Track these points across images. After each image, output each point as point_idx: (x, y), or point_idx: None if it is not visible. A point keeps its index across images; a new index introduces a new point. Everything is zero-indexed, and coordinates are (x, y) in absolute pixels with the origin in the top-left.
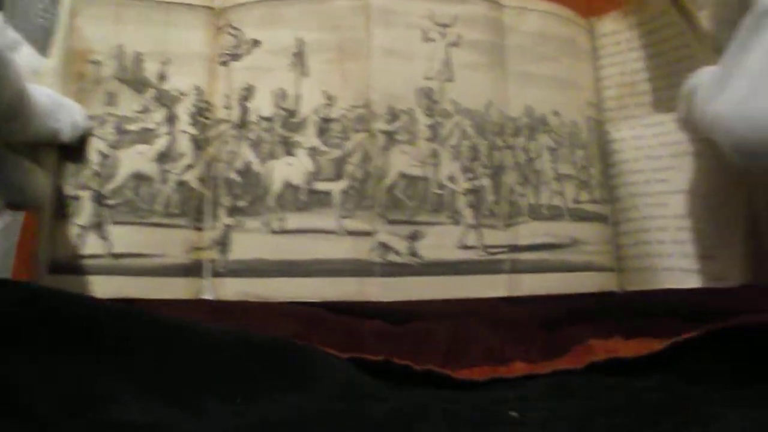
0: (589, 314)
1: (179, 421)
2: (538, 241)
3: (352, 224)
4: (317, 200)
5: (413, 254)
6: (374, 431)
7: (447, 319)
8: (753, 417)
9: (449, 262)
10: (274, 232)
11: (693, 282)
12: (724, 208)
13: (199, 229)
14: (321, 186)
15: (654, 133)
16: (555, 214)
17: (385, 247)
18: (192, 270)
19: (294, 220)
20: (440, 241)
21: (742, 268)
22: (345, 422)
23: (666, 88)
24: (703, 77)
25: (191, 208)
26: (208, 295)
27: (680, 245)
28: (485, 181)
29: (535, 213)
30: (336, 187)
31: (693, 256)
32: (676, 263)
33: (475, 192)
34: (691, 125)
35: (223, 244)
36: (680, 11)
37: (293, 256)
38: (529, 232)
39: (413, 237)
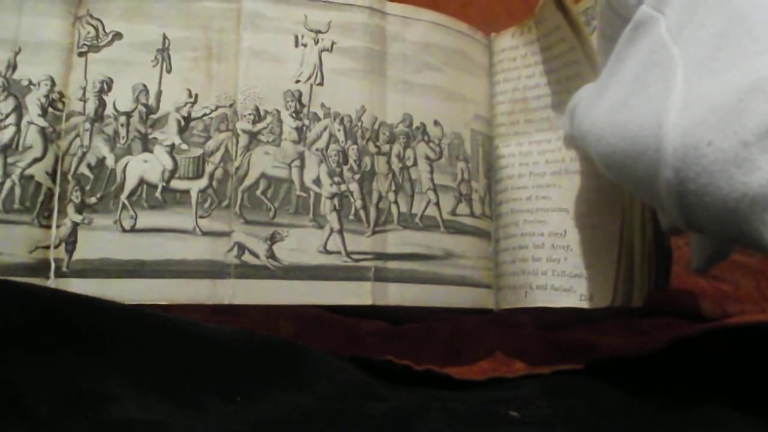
0: (589, 314)
1: (179, 420)
2: (408, 250)
3: (208, 224)
4: (174, 199)
5: (271, 257)
6: (374, 431)
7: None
8: (753, 418)
9: (310, 266)
10: (125, 230)
11: (563, 302)
12: (598, 228)
13: (45, 226)
14: (179, 185)
15: (540, 150)
16: (429, 225)
17: (242, 248)
18: (36, 270)
19: (147, 219)
20: (301, 245)
21: (610, 290)
22: (344, 422)
23: (555, 105)
24: (583, 94)
25: (37, 204)
26: None
27: (554, 263)
28: (352, 186)
29: (407, 222)
30: (195, 186)
31: (566, 275)
32: (549, 281)
33: (341, 196)
34: (573, 141)
35: (69, 242)
36: (571, 27)
37: (143, 256)
38: (399, 240)
39: (272, 239)
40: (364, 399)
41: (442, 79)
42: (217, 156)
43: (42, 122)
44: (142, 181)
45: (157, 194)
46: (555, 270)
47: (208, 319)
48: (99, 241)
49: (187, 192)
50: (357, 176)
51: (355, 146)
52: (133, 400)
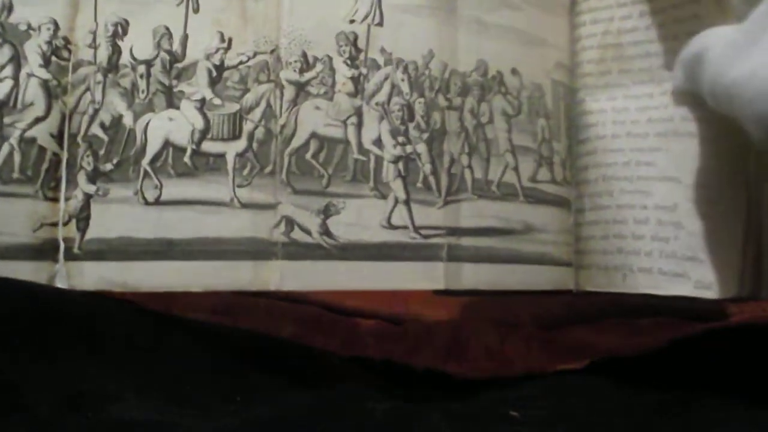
0: (589, 314)
1: (180, 420)
2: (484, 224)
3: (249, 195)
4: (206, 165)
5: (326, 233)
6: (374, 431)
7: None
8: (754, 418)
9: (371, 244)
10: (148, 203)
11: (674, 288)
12: (721, 202)
13: (52, 199)
14: (212, 147)
15: (640, 106)
16: (507, 193)
17: (291, 222)
18: (42, 252)
19: (175, 189)
20: (361, 219)
21: (736, 278)
22: (345, 422)
23: (660, 52)
24: (714, 40)
25: (41, 172)
26: (60, 284)
27: (662, 242)
28: (420, 148)
29: (482, 190)
30: (231, 149)
31: (677, 257)
32: (655, 264)
33: (406, 160)
34: (692, 98)
35: (81, 218)
36: None
37: (172, 234)
38: (474, 212)
39: (326, 212)
40: (364, 399)
41: (521, 19)
42: (257, 112)
43: (44, 74)
44: (167, 144)
45: (186, 159)
46: (663, 251)
47: (208, 319)
48: (117, 216)
49: (222, 156)
50: (425, 135)
51: (422, 99)
52: (134, 401)
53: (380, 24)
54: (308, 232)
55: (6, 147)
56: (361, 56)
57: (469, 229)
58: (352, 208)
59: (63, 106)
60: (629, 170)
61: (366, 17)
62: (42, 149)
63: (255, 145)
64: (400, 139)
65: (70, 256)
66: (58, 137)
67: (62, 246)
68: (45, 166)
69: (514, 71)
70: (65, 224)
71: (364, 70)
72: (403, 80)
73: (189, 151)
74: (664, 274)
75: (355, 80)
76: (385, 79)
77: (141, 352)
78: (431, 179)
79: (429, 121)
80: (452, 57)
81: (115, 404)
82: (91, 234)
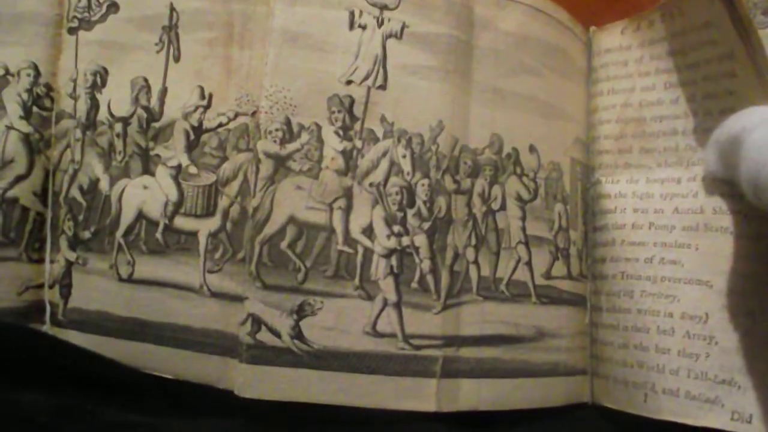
0: None
1: (176, 422)
2: (490, 331)
3: (219, 282)
4: (177, 243)
5: (298, 337)
6: None
7: None
8: None
9: (351, 353)
10: (122, 279)
11: (705, 418)
12: (759, 315)
13: (36, 261)
14: (185, 223)
15: (665, 192)
16: (517, 293)
17: (257, 321)
18: (28, 315)
19: (146, 268)
20: (340, 323)
21: None
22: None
23: (689, 131)
24: (757, 121)
25: (25, 234)
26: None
27: (691, 359)
28: (419, 240)
29: (489, 290)
30: (204, 227)
31: (709, 379)
32: (682, 385)
33: (401, 254)
34: (727, 187)
35: (64, 285)
36: (737, 25)
37: (143, 314)
38: (478, 317)
39: (300, 312)
40: None
41: (541, 86)
42: (235, 186)
43: (25, 127)
44: (140, 215)
45: (158, 235)
46: (692, 369)
47: None
48: (95, 289)
49: (194, 234)
50: (426, 225)
51: (425, 180)
52: (131, 408)
53: (383, 87)
54: (277, 335)
55: None
56: (357, 126)
57: (471, 338)
58: (331, 309)
59: (46, 162)
60: (652, 269)
61: (366, 78)
62: (25, 209)
63: (229, 225)
64: (396, 228)
65: (55, 322)
66: (42, 195)
67: (49, 310)
68: (29, 227)
69: (531, 148)
70: (51, 287)
71: (358, 143)
72: (404, 157)
73: (161, 226)
74: (694, 399)
75: (346, 155)
76: (384, 154)
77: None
78: (429, 278)
79: (432, 207)
80: (463, 130)
81: (112, 409)
82: (72, 303)
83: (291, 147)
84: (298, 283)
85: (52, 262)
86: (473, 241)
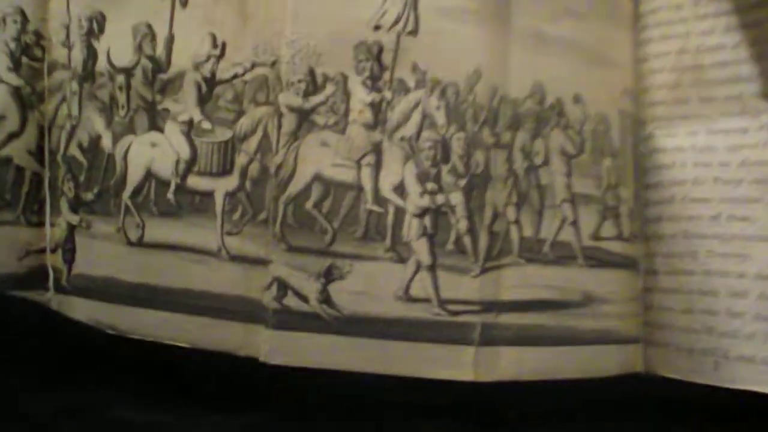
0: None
1: (176, 422)
2: (532, 296)
3: (239, 245)
4: (191, 204)
5: (326, 302)
6: None
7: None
8: None
9: (382, 319)
10: (131, 243)
11: None
12: None
13: (36, 224)
14: (199, 183)
15: (730, 144)
16: (562, 255)
17: (283, 286)
18: (31, 281)
19: (158, 230)
20: (371, 287)
21: None
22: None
23: (755, 76)
24: None
25: (21, 196)
26: None
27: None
28: (455, 197)
29: (532, 252)
30: (220, 187)
31: None
32: (758, 351)
33: (436, 213)
34: None
35: (67, 249)
36: None
37: (154, 279)
38: (519, 281)
39: (328, 276)
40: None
41: (585, 31)
42: (253, 142)
43: (14, 79)
44: (149, 175)
45: (170, 195)
46: None
47: None
48: (101, 254)
49: (210, 194)
50: (463, 182)
51: (461, 134)
52: (130, 406)
53: (414, 32)
54: (305, 299)
55: None
56: (386, 75)
57: (512, 303)
58: (361, 272)
59: (40, 118)
60: (719, 226)
61: (396, 22)
62: (20, 170)
63: (248, 184)
64: (430, 185)
65: (59, 288)
66: (38, 154)
67: (52, 275)
68: (25, 188)
69: (576, 98)
70: (53, 251)
71: (388, 95)
72: (438, 108)
73: (173, 186)
74: None
75: (375, 107)
76: (416, 106)
77: (134, 375)
78: (466, 239)
79: (469, 162)
80: (502, 79)
81: (112, 408)
82: (77, 269)
83: (315, 100)
84: (326, 245)
85: (52, 225)
86: (514, 199)
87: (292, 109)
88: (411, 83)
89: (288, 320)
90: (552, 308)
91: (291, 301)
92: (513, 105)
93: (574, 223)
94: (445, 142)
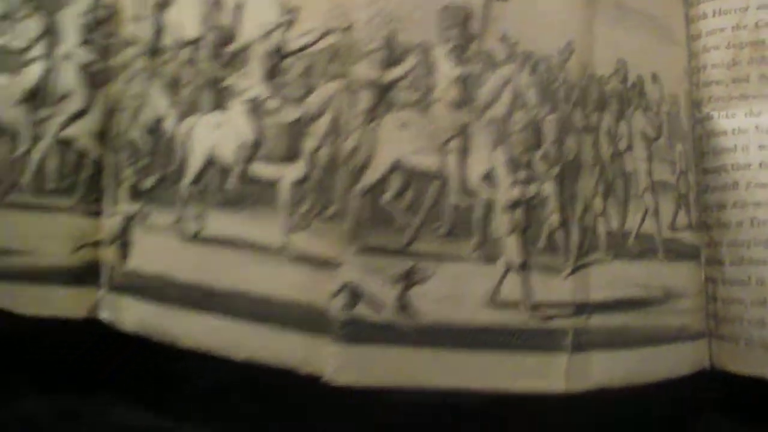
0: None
1: (175, 426)
2: (619, 294)
3: (306, 242)
4: (254, 193)
5: (404, 310)
6: None
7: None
8: None
9: (468, 328)
10: (188, 237)
11: None
12: None
13: (93, 214)
14: (263, 170)
15: None
16: (645, 249)
17: (356, 293)
18: (82, 277)
19: (218, 222)
20: (457, 290)
21: None
22: None
23: None
24: None
25: (82, 181)
26: (106, 315)
27: None
28: (548, 188)
29: (618, 246)
30: (287, 175)
31: None
32: None
33: (527, 206)
34: None
35: (122, 243)
36: None
37: (212, 280)
38: (606, 278)
39: (408, 279)
40: None
41: (658, 4)
42: (322, 124)
43: (84, 55)
44: (211, 160)
45: (232, 182)
46: None
47: None
48: (156, 248)
49: (274, 184)
50: (555, 170)
51: (553, 116)
52: (130, 412)
53: None
54: (379, 307)
55: (39, 149)
56: (474, 45)
57: (601, 304)
58: (445, 275)
59: (106, 98)
60: None
61: None
62: (81, 153)
63: (317, 172)
64: (522, 174)
65: (111, 285)
66: (101, 138)
67: (105, 272)
68: (85, 174)
69: (654, 78)
70: (107, 245)
71: (476, 68)
72: (530, 86)
73: (236, 173)
74: None
75: (462, 83)
76: (506, 83)
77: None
78: (559, 235)
79: (562, 148)
80: (590, 54)
81: (112, 412)
82: (131, 265)
83: (394, 73)
84: (405, 245)
85: (109, 215)
86: (601, 189)
87: (367, 84)
88: (500, 56)
89: (359, 332)
90: (637, 307)
91: (363, 310)
92: (599, 84)
93: (656, 213)
94: (537, 125)
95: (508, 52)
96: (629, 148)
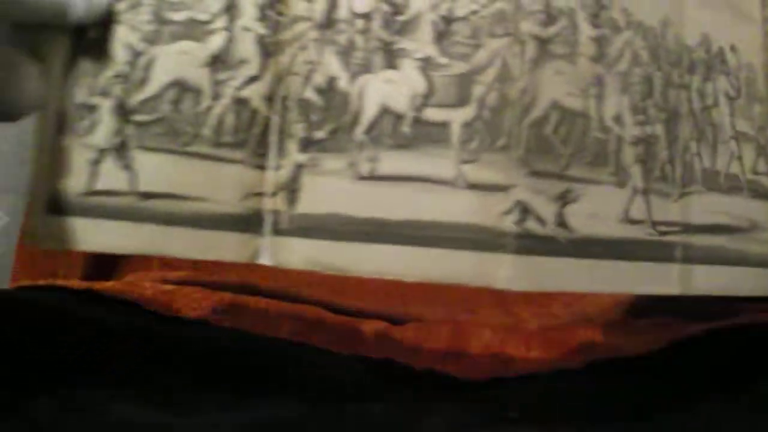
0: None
1: (178, 422)
2: (714, 220)
3: (477, 173)
4: (427, 135)
5: (562, 225)
6: (374, 431)
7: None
8: (757, 419)
9: (610, 240)
10: (363, 177)
11: None
12: None
13: (261, 167)
14: (435, 114)
15: None
16: (732, 185)
17: (526, 210)
18: (248, 223)
19: (391, 162)
20: (600, 209)
21: None
22: (344, 422)
23: None
24: None
25: (252, 136)
26: (265, 260)
27: None
28: (658, 129)
29: (711, 181)
30: (458, 117)
31: None
32: None
33: (646, 143)
34: None
35: (291, 190)
36: None
37: (386, 213)
38: (703, 207)
39: (564, 199)
40: (364, 399)
41: None
42: (490, 73)
43: (260, 28)
44: (384, 110)
45: (405, 128)
46: None
47: (208, 319)
48: (327, 190)
49: (446, 125)
50: (663, 115)
51: (659, 73)
52: (133, 404)
53: None
54: (542, 222)
55: (218, 107)
56: (604, 14)
57: (701, 226)
58: (591, 195)
59: (277, 66)
60: None
61: None
62: (254, 112)
63: (486, 113)
64: (640, 117)
65: (277, 231)
66: (270, 100)
67: (268, 219)
68: (255, 130)
69: (732, 48)
70: (273, 195)
71: (607, 32)
72: (643, 49)
73: (409, 119)
74: None
75: (597, 42)
76: (626, 45)
77: (137, 361)
78: (668, 167)
79: (667, 98)
80: (681, 27)
81: (116, 407)
82: (300, 209)
83: (553, 30)
84: (561, 169)
85: (277, 168)
86: (695, 134)
87: (534, 38)
88: (622, 23)
89: (529, 245)
90: (729, 232)
91: (531, 225)
92: (689, 52)
93: (740, 158)
94: (649, 79)
95: (627, 20)
96: (715, 104)
